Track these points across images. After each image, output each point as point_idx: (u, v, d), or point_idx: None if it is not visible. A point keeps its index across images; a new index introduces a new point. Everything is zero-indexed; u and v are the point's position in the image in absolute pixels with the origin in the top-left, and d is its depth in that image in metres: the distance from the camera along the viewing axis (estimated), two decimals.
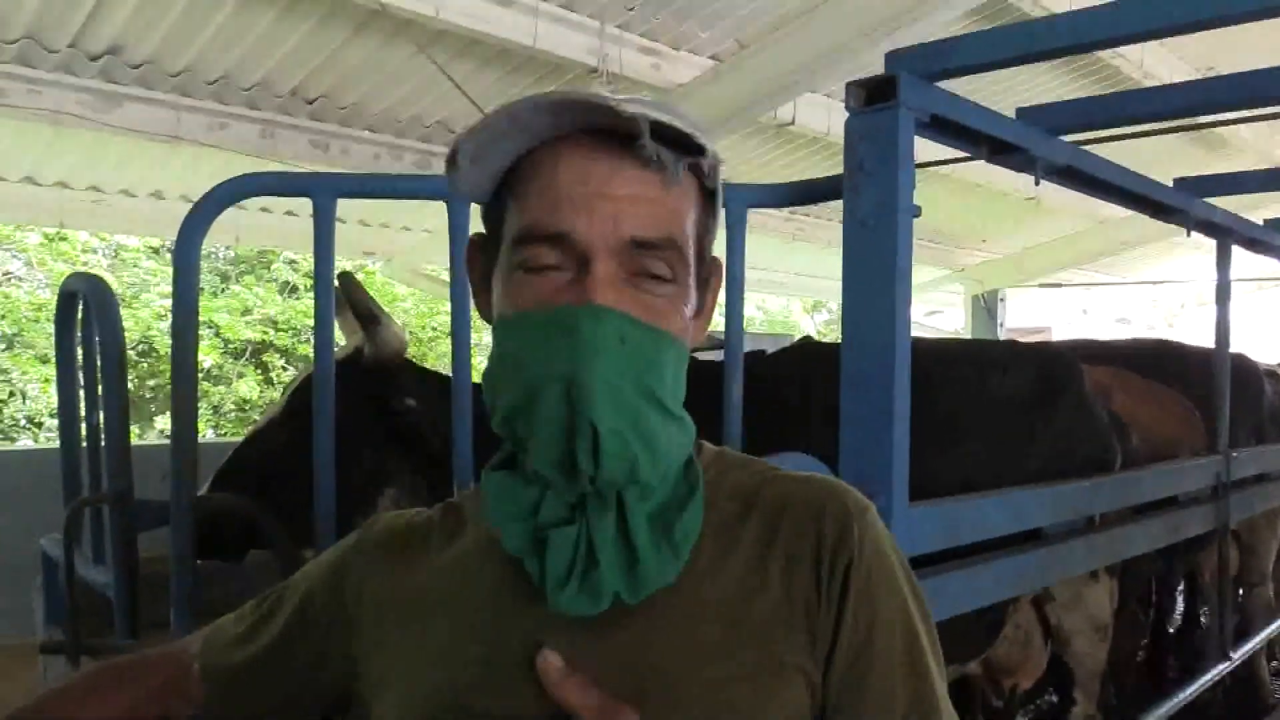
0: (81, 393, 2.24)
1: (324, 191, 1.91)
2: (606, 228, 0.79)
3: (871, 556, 0.84)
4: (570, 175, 0.81)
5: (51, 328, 2.38)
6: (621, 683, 0.80)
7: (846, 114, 1.79)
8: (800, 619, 0.83)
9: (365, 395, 2.21)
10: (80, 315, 2.21)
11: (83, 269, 8.80)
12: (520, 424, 0.81)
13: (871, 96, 1.73)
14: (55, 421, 2.58)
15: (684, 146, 0.81)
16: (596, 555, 0.81)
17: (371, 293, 2.30)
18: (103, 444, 2.09)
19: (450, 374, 2.05)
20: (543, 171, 0.82)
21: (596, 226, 0.79)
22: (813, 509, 0.86)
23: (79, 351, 2.25)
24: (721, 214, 1.93)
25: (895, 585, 0.85)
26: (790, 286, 11.95)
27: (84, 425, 2.25)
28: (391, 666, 0.90)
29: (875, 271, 1.73)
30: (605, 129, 0.80)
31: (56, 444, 2.46)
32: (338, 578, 0.97)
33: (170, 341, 1.93)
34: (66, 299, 2.28)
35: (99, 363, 2.07)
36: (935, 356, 2.53)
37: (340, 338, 2.30)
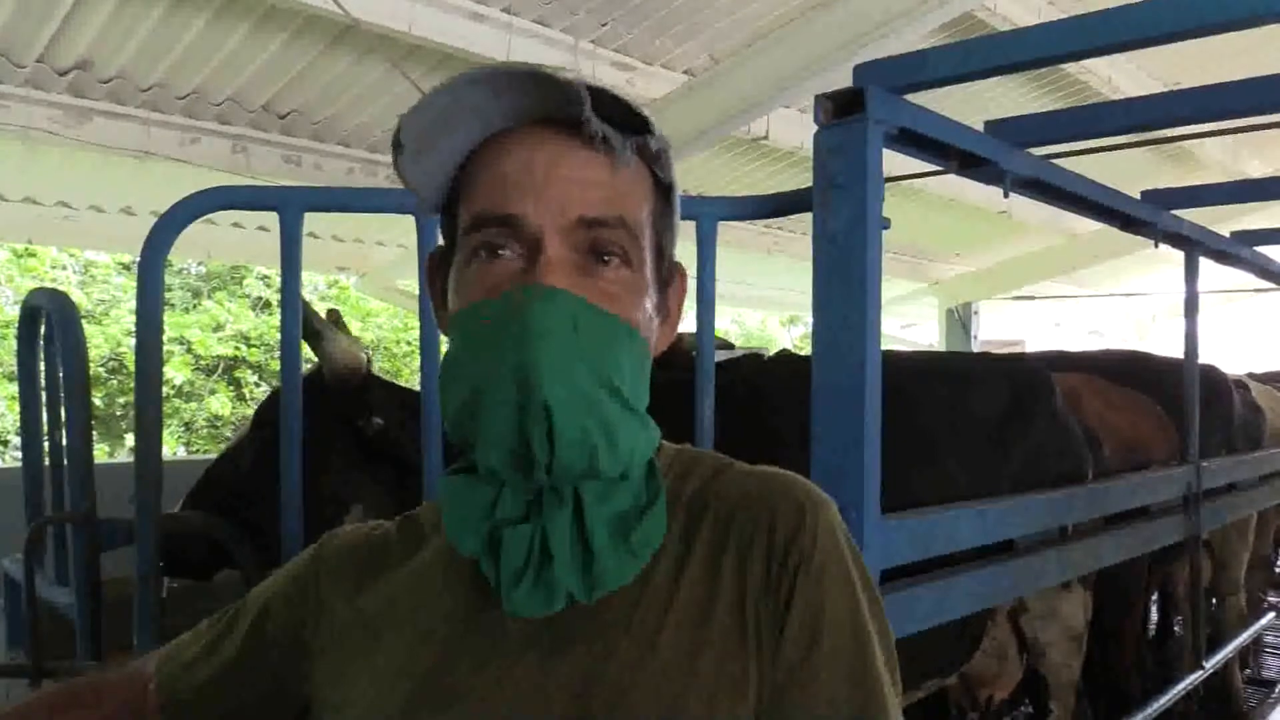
0: (45, 411, 2.21)
1: (291, 205, 1.90)
2: (555, 209, 0.78)
3: (823, 555, 0.81)
4: (518, 162, 0.80)
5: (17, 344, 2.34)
6: (578, 699, 0.79)
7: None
8: (751, 622, 0.80)
9: (328, 412, 2.17)
10: (44, 332, 2.18)
11: (51, 285, 8.71)
12: (469, 420, 0.77)
13: (840, 110, 1.72)
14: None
15: (629, 126, 0.80)
16: (551, 551, 0.78)
17: (345, 308, 2.27)
18: (66, 463, 2.06)
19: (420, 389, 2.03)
20: (490, 163, 0.81)
21: (545, 208, 0.78)
22: (766, 505, 0.83)
23: (42, 368, 2.22)
24: (691, 227, 1.95)
25: (847, 585, 0.81)
26: (766, 300, 11.98)
27: (47, 443, 2.22)
28: (348, 689, 0.88)
29: (845, 285, 1.71)
30: (552, 119, 0.79)
31: (20, 463, 2.42)
32: (296, 594, 0.96)
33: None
34: (29, 315, 2.25)
35: (62, 380, 2.04)
36: (907, 370, 2.53)
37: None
